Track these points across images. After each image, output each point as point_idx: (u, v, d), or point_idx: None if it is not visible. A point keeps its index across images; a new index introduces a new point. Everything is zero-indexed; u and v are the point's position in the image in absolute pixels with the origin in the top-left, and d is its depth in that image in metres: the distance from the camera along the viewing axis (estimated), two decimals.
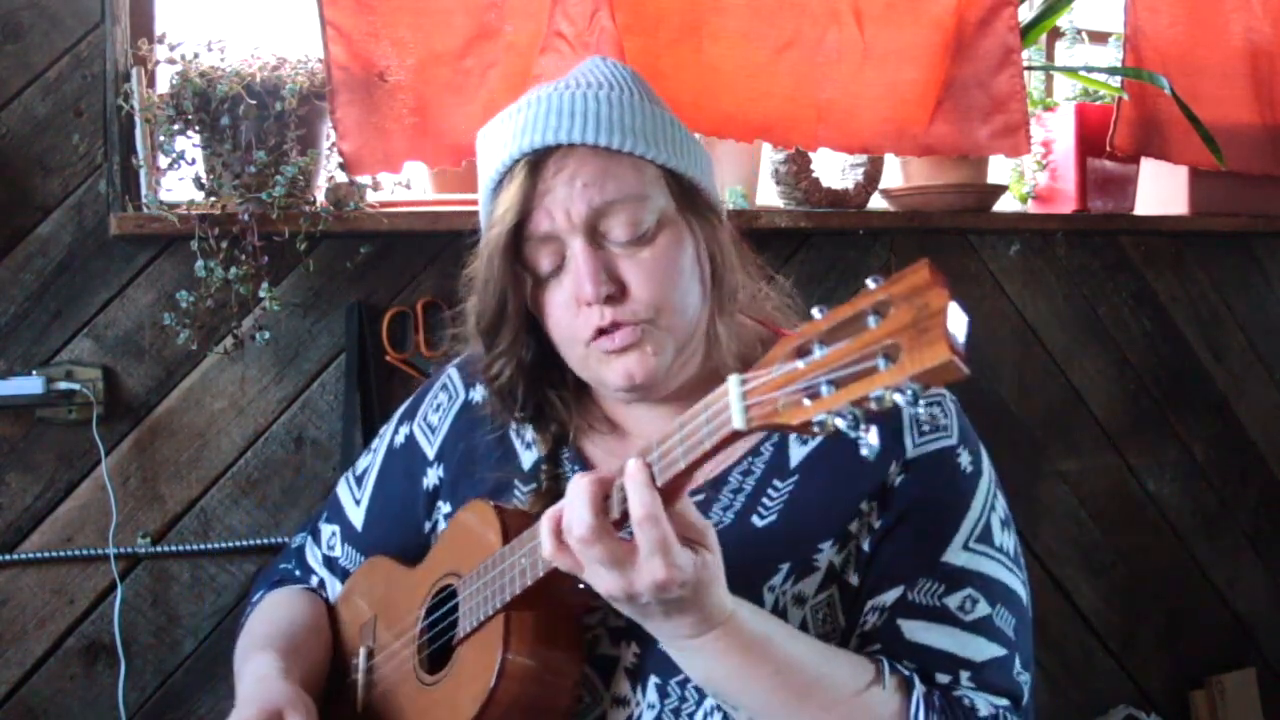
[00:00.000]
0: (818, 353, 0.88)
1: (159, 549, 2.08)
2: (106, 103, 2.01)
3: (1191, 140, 2.43)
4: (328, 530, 1.46)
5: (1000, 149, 2.36)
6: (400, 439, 1.41)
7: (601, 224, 1.17)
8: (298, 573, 1.48)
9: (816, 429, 0.87)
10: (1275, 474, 2.99)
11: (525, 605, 1.11)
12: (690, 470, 0.98)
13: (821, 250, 2.49)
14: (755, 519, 1.21)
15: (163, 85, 2.04)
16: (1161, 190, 2.77)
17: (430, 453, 1.37)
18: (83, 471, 2.04)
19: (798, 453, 1.23)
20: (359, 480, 1.45)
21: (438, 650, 1.23)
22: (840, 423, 0.85)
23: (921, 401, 0.79)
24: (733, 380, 0.93)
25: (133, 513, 2.07)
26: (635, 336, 1.17)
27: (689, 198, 1.21)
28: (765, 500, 1.22)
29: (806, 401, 0.87)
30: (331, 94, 1.99)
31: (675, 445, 0.98)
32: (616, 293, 1.16)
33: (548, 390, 1.29)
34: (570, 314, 1.19)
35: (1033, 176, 2.67)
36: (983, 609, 1.17)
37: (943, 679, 1.16)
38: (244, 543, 2.12)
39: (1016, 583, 1.22)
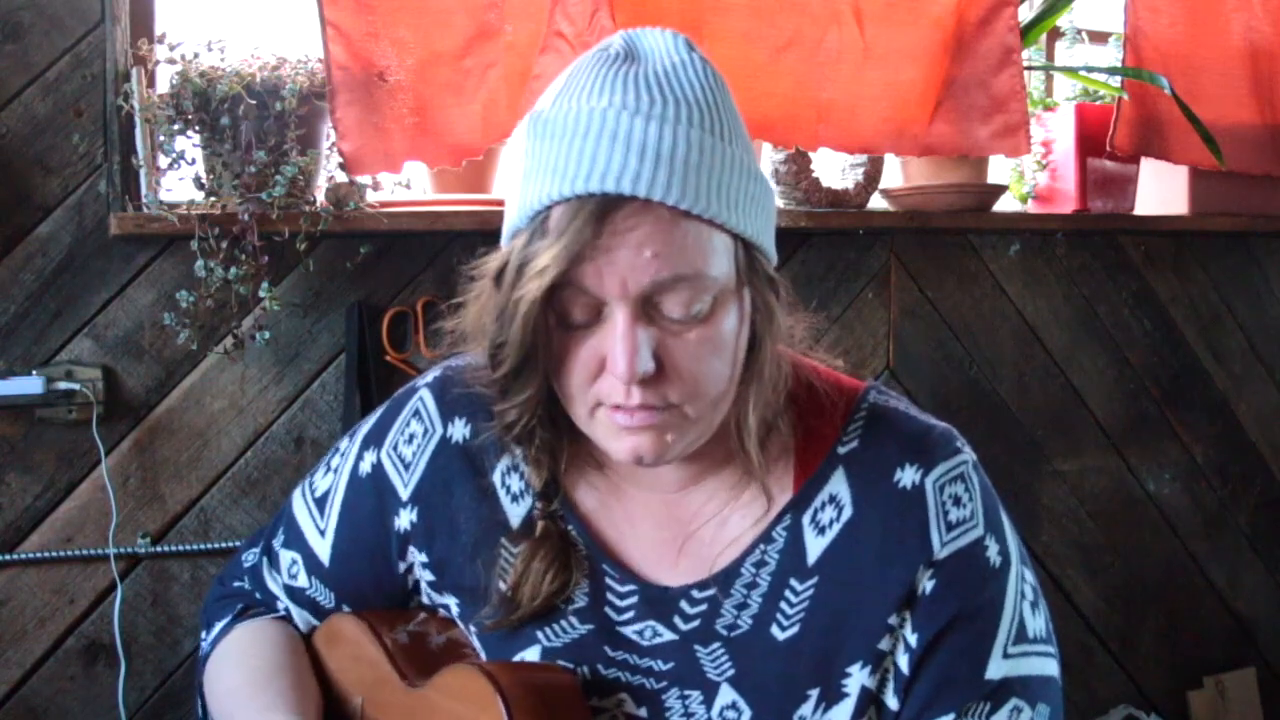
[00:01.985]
0: None
1: (159, 549, 2.08)
2: (106, 103, 2.01)
3: (1191, 140, 2.43)
4: (287, 556, 1.31)
5: (1000, 149, 2.36)
6: (366, 466, 1.25)
7: (656, 297, 1.00)
8: (258, 595, 1.33)
9: None
10: (1275, 474, 2.99)
11: None
12: None
13: (821, 250, 2.49)
14: (775, 629, 1.12)
15: (163, 85, 2.04)
16: (1161, 190, 2.77)
17: (404, 493, 1.23)
18: (83, 471, 2.04)
19: (815, 545, 1.12)
20: (319, 504, 1.29)
21: None
22: None
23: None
24: None
25: (133, 513, 2.07)
26: (655, 420, 1.03)
27: (751, 268, 1.06)
28: (784, 606, 1.12)
29: None
30: (331, 94, 1.99)
31: None
32: (651, 373, 1.01)
33: (548, 422, 1.14)
34: (590, 372, 1.04)
35: (1033, 176, 2.67)
36: (1025, 716, 1.11)
37: None
38: (239, 542, 2.09)
39: (1052, 665, 1.15)
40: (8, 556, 2.00)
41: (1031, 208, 2.69)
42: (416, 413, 1.24)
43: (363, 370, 2.14)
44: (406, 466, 1.23)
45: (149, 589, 2.09)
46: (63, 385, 2.00)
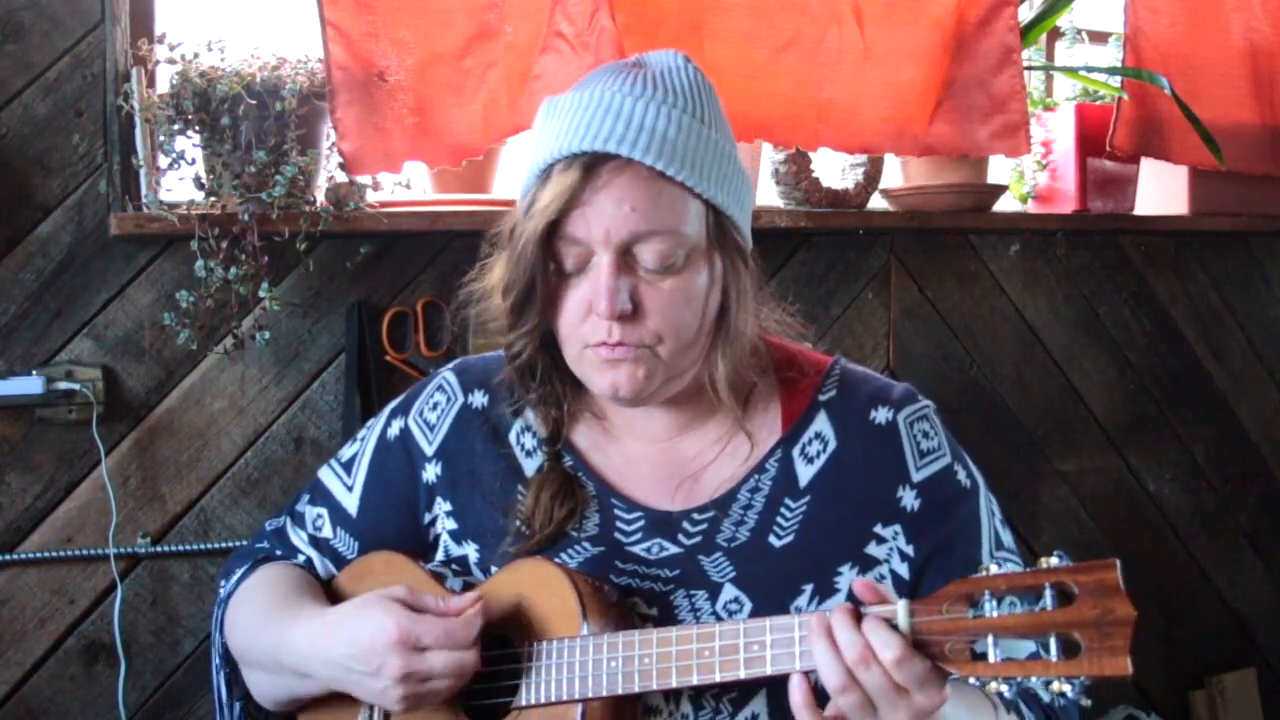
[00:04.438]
0: (989, 609, 1.00)
1: (159, 549, 2.08)
2: (106, 103, 2.01)
3: (1191, 140, 2.43)
4: (313, 512, 1.44)
5: (1000, 149, 2.36)
6: (394, 431, 1.41)
7: (635, 247, 1.20)
8: (278, 551, 1.46)
9: (976, 684, 1.01)
10: (1275, 474, 2.99)
11: (604, 706, 1.18)
12: None
13: (821, 250, 2.49)
14: (773, 539, 1.28)
15: (163, 85, 2.04)
16: (1161, 190, 2.77)
17: (429, 449, 1.38)
18: (83, 471, 2.04)
19: (805, 471, 1.30)
20: (346, 467, 1.44)
21: (480, 698, 1.24)
22: (1005, 689, 0.99)
23: (1080, 682, 0.96)
24: (901, 607, 1.04)
25: (133, 513, 2.07)
26: (631, 355, 1.22)
27: (722, 234, 1.25)
28: (780, 520, 1.29)
29: (972, 655, 1.01)
30: (331, 94, 1.99)
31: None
32: (629, 313, 1.20)
33: (553, 371, 1.33)
34: (580, 315, 1.23)
35: (1033, 176, 2.67)
36: None
37: None
38: (244, 543, 2.11)
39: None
40: (8, 556, 2.00)
41: (1031, 208, 2.69)
42: (440, 387, 1.42)
43: (363, 370, 2.14)
44: (431, 428, 1.39)
45: (149, 589, 2.09)
46: (63, 385, 2.00)
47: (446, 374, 1.42)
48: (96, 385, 2.02)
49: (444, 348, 2.21)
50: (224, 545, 2.11)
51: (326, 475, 1.46)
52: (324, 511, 1.44)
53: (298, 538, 1.45)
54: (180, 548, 2.09)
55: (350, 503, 1.42)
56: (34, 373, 1.99)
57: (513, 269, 1.24)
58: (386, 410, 1.45)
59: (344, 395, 2.16)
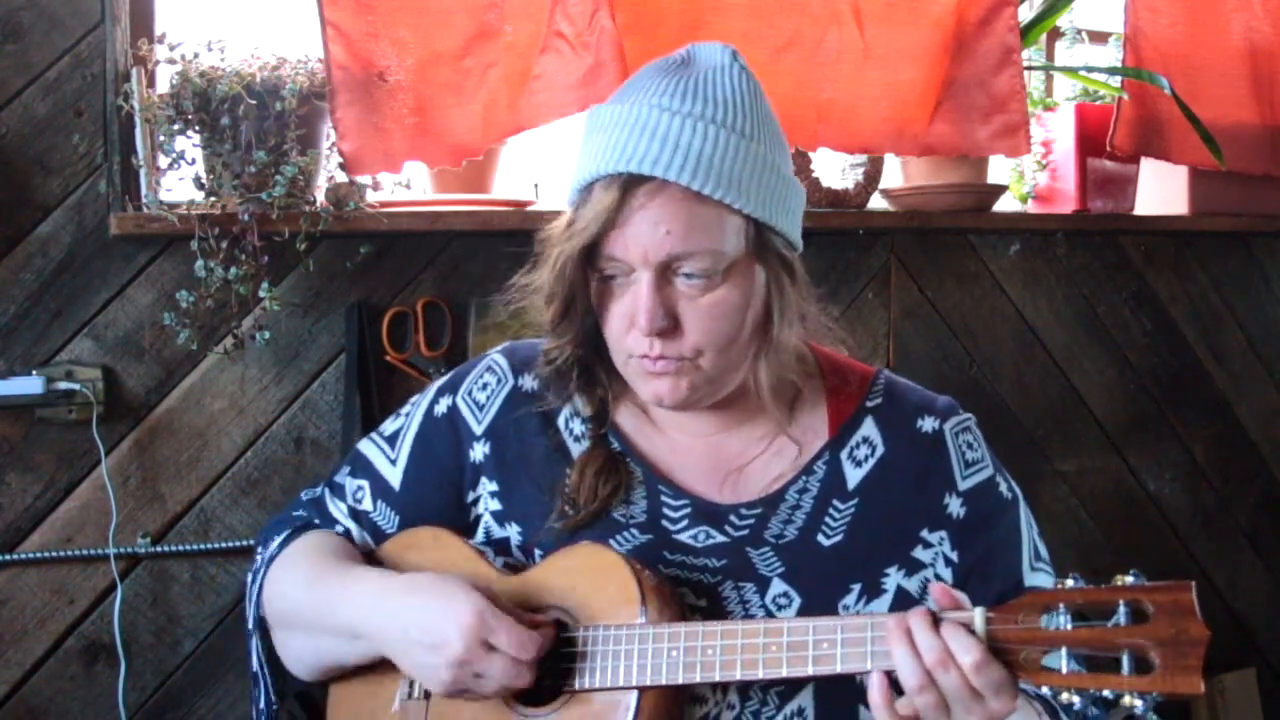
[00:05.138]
0: (1063, 620, 1.03)
1: (159, 549, 2.08)
2: (106, 103, 2.01)
3: (1191, 140, 2.43)
4: (353, 484, 1.44)
5: (1000, 149, 2.36)
6: (441, 408, 1.42)
7: (674, 265, 1.22)
8: (316, 521, 1.45)
9: (1047, 692, 1.06)
10: (1275, 474, 2.99)
11: (658, 695, 1.20)
12: None
13: (821, 250, 2.49)
14: (821, 538, 1.31)
15: (163, 85, 2.04)
16: (1161, 190, 2.77)
17: (477, 428, 1.39)
18: (83, 471, 2.04)
19: (854, 474, 1.33)
20: (390, 441, 1.44)
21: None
22: (1076, 701, 1.02)
23: (1151, 698, 1.00)
24: (978, 614, 1.07)
25: (133, 513, 2.07)
26: (673, 368, 1.25)
27: (764, 246, 1.25)
28: (829, 520, 1.32)
29: (1046, 663, 1.04)
30: (331, 94, 1.99)
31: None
32: (669, 328, 1.23)
33: (596, 361, 1.35)
34: (623, 326, 1.26)
35: (1033, 176, 2.67)
36: None
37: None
38: (244, 543, 2.12)
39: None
40: (8, 556, 2.00)
41: (1031, 208, 2.69)
42: (490, 368, 1.43)
43: (363, 370, 2.14)
44: (480, 408, 1.41)
45: (149, 589, 2.09)
46: (63, 385, 2.00)
47: (496, 356, 1.44)
48: (96, 385, 2.02)
49: (444, 348, 2.21)
50: (224, 545, 2.11)
51: (368, 448, 1.46)
52: (365, 484, 1.43)
53: (336, 509, 1.44)
54: (180, 548, 2.09)
55: (393, 476, 1.42)
56: (34, 373, 1.99)
57: (553, 284, 1.27)
58: (433, 388, 1.45)
59: (344, 395, 2.16)
